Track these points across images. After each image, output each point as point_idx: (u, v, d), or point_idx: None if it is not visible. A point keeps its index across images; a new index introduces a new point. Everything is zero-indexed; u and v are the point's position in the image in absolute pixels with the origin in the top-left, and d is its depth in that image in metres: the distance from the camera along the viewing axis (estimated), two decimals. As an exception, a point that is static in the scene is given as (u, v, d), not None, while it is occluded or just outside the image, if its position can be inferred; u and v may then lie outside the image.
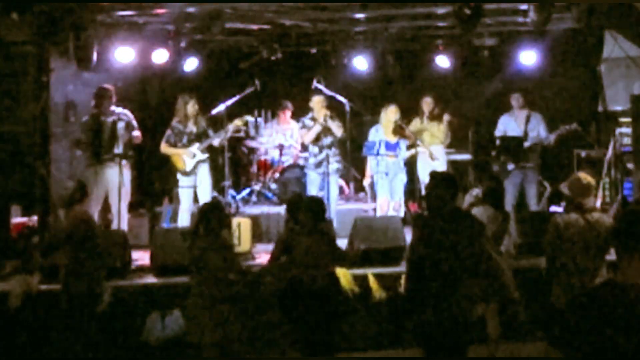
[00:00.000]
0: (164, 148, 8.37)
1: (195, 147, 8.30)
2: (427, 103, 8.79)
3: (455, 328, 4.55)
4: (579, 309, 2.70)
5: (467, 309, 4.59)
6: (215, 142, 8.40)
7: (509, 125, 8.80)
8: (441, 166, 8.66)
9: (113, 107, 8.11)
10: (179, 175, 8.36)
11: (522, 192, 8.67)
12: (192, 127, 8.36)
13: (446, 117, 8.72)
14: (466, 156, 9.58)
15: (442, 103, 8.94)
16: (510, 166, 8.57)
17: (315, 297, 5.47)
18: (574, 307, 2.76)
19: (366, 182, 9.12)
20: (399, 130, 8.50)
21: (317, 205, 5.88)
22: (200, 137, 8.35)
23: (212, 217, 5.57)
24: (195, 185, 8.30)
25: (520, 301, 4.98)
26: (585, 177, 5.54)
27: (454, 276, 4.57)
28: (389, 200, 8.47)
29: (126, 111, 8.20)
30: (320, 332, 5.48)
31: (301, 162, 9.51)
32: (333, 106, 8.75)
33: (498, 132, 8.88)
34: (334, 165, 8.51)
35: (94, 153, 8.01)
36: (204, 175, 8.36)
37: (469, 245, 4.61)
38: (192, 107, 8.33)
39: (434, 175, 4.97)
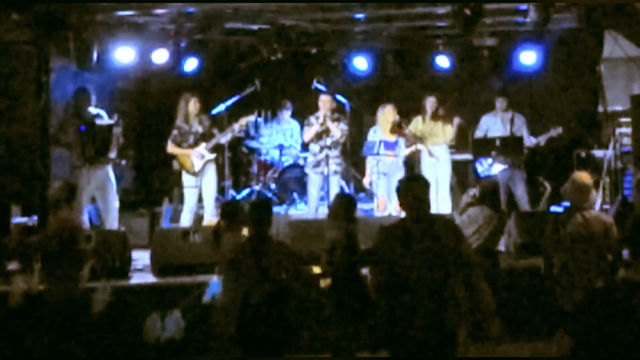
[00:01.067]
0: (171, 148, 8.34)
1: (203, 147, 8.28)
2: (430, 102, 8.73)
3: (436, 340, 4.25)
4: (594, 305, 2.73)
5: (451, 324, 4.30)
6: (223, 140, 8.37)
7: (493, 125, 8.87)
8: (445, 166, 8.64)
9: (90, 108, 8.12)
10: (185, 175, 8.32)
11: (511, 193, 8.74)
12: (197, 127, 8.33)
13: (456, 121, 8.68)
14: (466, 156, 9.57)
15: (445, 103, 8.91)
16: (497, 167, 8.63)
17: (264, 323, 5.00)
18: (589, 303, 2.78)
19: (366, 182, 9.07)
20: (397, 129, 8.47)
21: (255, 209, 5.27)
22: (206, 136, 8.30)
23: (236, 215, 5.46)
24: (200, 185, 8.28)
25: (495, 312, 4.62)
26: (581, 177, 5.57)
27: (433, 285, 4.26)
28: (386, 200, 8.45)
29: (102, 111, 8.20)
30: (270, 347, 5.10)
31: (301, 162, 9.50)
32: (337, 107, 8.75)
33: (480, 132, 8.92)
34: (332, 167, 8.47)
35: (83, 153, 7.97)
36: (210, 175, 8.33)
37: (448, 252, 4.33)
38: (193, 105, 8.30)
39: (409, 177, 4.91)
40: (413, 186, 4.55)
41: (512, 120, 8.82)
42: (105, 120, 8.13)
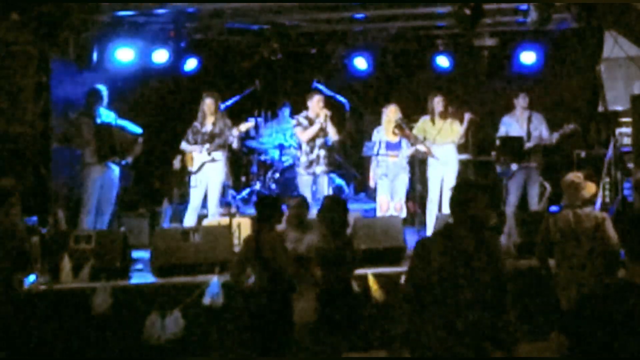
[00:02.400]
0: (182, 146, 8.32)
1: (204, 148, 8.25)
2: (437, 102, 8.63)
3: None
4: (590, 306, 2.72)
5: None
6: (230, 141, 8.29)
7: (511, 126, 8.76)
8: (452, 166, 8.60)
9: (101, 109, 8.16)
10: (191, 175, 8.31)
11: (524, 192, 8.67)
12: (208, 127, 8.24)
13: (467, 116, 8.55)
14: (466, 156, 9.56)
15: (456, 101, 8.84)
16: (514, 166, 8.56)
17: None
18: (585, 304, 2.77)
19: (371, 183, 8.94)
20: (398, 130, 8.41)
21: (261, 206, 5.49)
22: (213, 137, 8.22)
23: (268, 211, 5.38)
24: (204, 185, 8.24)
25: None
26: (570, 176, 5.61)
27: (483, 301, 3.75)
28: (388, 201, 8.41)
29: (112, 113, 8.24)
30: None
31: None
32: (332, 106, 8.73)
33: (500, 133, 8.85)
34: (322, 167, 8.41)
35: (97, 152, 8.02)
36: (213, 177, 8.23)
37: (494, 268, 3.83)
38: (206, 105, 8.21)
39: (464, 182, 4.41)
40: (470, 192, 3.89)
41: (529, 119, 8.70)
42: (131, 126, 8.23)
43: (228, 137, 8.23)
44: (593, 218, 5.48)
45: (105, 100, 8.15)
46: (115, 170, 8.13)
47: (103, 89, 8.16)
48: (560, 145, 9.00)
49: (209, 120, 8.28)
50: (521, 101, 8.70)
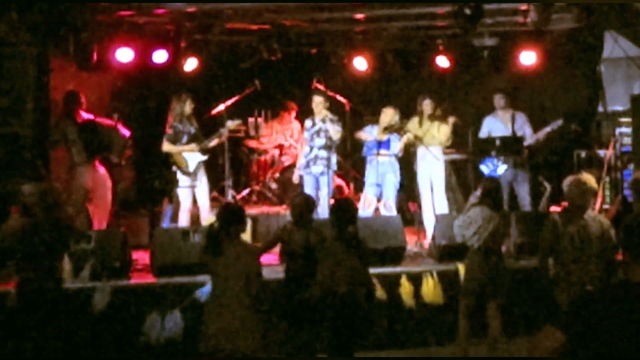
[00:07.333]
0: (167, 146, 8.23)
1: (195, 147, 8.24)
2: (427, 104, 8.66)
3: None
4: (591, 306, 2.72)
5: None
6: (210, 145, 8.33)
7: (494, 126, 8.80)
8: (440, 166, 8.62)
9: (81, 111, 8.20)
10: (179, 175, 8.29)
11: (513, 192, 8.70)
12: (190, 127, 8.28)
13: (451, 120, 8.60)
14: (464, 156, 9.56)
15: (443, 104, 8.88)
16: (503, 166, 8.59)
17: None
18: (586, 304, 2.77)
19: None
20: (388, 129, 8.46)
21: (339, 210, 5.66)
22: (198, 137, 8.29)
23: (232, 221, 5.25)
24: (194, 185, 8.25)
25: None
26: (586, 180, 5.57)
27: None
28: (372, 199, 8.43)
29: (90, 116, 8.26)
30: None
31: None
32: (333, 107, 8.73)
33: (482, 134, 8.87)
34: (319, 167, 8.41)
35: (84, 150, 8.03)
36: (203, 176, 8.31)
37: None
38: (189, 105, 8.24)
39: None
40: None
41: (512, 119, 8.74)
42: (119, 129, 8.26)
43: (209, 141, 8.26)
44: (600, 224, 5.50)
45: (84, 103, 8.16)
46: (102, 169, 8.16)
47: (78, 92, 8.18)
48: (553, 145, 9.03)
49: (188, 120, 8.27)
50: (497, 102, 8.76)
